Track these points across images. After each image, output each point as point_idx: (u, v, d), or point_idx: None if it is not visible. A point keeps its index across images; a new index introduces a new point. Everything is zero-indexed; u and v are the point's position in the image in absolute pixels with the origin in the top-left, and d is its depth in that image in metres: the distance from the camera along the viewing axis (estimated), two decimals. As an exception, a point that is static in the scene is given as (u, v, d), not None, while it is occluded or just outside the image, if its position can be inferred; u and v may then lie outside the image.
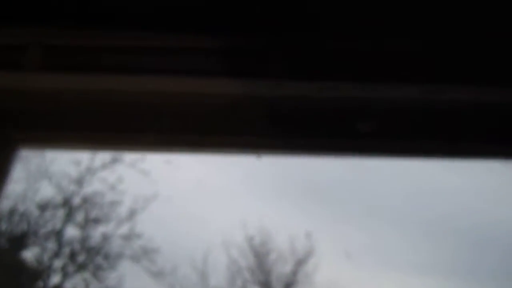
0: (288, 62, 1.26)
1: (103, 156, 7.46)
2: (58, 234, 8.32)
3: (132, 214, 8.15)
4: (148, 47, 1.24)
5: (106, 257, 7.90)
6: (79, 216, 8.29)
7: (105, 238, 8.34)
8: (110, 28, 1.25)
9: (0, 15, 1.23)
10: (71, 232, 8.26)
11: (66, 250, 8.21)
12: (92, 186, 8.02)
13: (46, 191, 8.12)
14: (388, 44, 1.26)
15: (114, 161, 7.71)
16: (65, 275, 7.77)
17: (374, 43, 1.25)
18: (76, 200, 8.28)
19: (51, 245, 8.34)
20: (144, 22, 1.22)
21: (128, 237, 8.34)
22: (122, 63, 1.22)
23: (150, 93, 1.24)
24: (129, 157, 7.40)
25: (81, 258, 7.95)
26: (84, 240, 8.32)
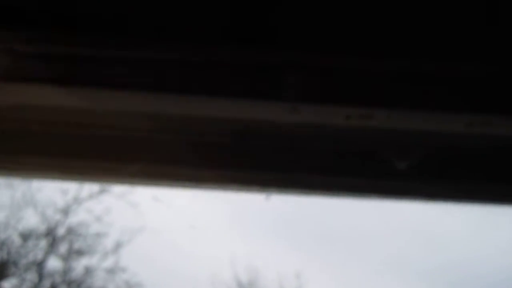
0: (307, 83, 1.01)
1: (91, 186, 7.17)
2: (39, 265, 7.91)
3: (117, 246, 7.81)
4: (138, 58, 0.99)
5: (88, 291, 7.47)
6: (63, 247, 7.91)
7: (88, 271, 7.94)
8: (97, 35, 1.00)
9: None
10: (53, 263, 7.88)
11: (47, 283, 7.79)
12: (78, 217, 7.70)
13: (30, 219, 7.77)
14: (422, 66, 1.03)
15: (102, 191, 7.41)
16: (44, 309, 7.31)
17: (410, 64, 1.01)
18: (61, 231, 7.92)
19: (32, 276, 7.93)
20: (134, 27, 0.97)
21: (112, 271, 7.96)
22: (105, 75, 0.96)
23: (138, 114, 0.98)
24: (118, 188, 7.11)
25: (61, 291, 7.51)
26: (66, 272, 7.91)
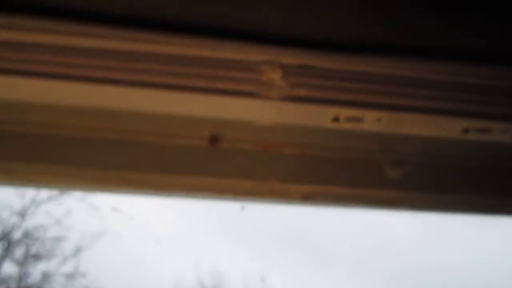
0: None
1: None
2: (-7, 270, 7.51)
3: (77, 251, 7.50)
4: (108, 48, 0.85)
5: (45, 297, 7.15)
6: (19, 252, 7.54)
7: (46, 276, 7.60)
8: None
9: None
10: (8, 268, 7.50)
11: (1, 288, 7.40)
12: (36, 220, 7.36)
13: (-16, 223, 7.36)
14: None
15: (62, 193, 7.10)
16: (-4, 317, 6.94)
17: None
18: (17, 234, 7.55)
19: (-15, 282, 7.51)
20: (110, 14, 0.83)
21: (71, 276, 7.64)
22: (61, 66, 0.82)
23: (99, 111, 0.85)
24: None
25: (16, 298, 7.16)
26: (22, 277, 7.54)
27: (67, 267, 7.44)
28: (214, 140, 0.87)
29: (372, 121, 0.81)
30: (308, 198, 0.88)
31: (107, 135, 0.86)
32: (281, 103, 0.80)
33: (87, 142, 0.88)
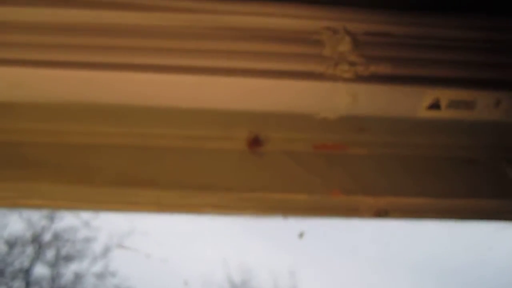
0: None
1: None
2: (26, 273, 7.46)
3: (106, 251, 7.39)
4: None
5: (78, 297, 7.08)
6: (50, 254, 7.46)
7: (77, 276, 7.52)
8: None
9: None
10: (40, 270, 7.43)
11: (34, 290, 7.35)
12: (64, 222, 7.26)
13: (15, 226, 7.31)
14: None
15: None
16: (31, 318, 6.91)
17: None
18: (47, 237, 7.47)
19: (19, 284, 7.48)
20: None
21: (102, 276, 7.55)
22: (46, 49, 0.59)
23: (100, 107, 0.61)
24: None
25: (50, 299, 7.12)
26: (54, 279, 7.47)
27: (97, 267, 7.36)
28: (255, 142, 0.62)
29: (486, 107, 0.55)
30: (383, 214, 0.63)
31: (107, 140, 0.62)
32: (353, 85, 0.54)
33: (85, 151, 0.64)
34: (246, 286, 7.27)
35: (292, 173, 0.63)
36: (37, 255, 7.12)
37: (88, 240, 7.05)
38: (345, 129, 0.62)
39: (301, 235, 0.67)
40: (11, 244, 7.18)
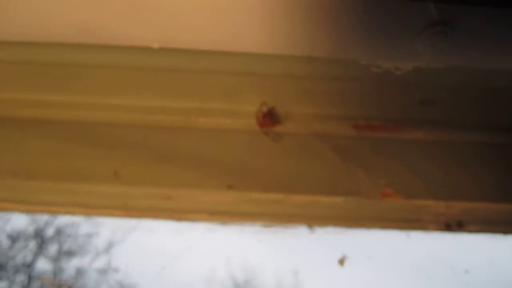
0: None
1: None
2: (28, 267, 7.35)
3: (109, 246, 7.26)
4: None
5: (80, 293, 6.95)
6: (52, 248, 7.35)
7: (79, 272, 7.40)
8: None
9: None
10: (43, 265, 7.32)
11: (36, 285, 7.23)
12: (67, 217, 7.13)
13: (18, 221, 7.21)
14: None
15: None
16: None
17: None
18: (49, 231, 7.35)
19: (21, 278, 7.36)
20: None
21: (104, 271, 7.42)
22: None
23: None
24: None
25: (51, 294, 7.00)
26: (56, 273, 7.35)
27: (100, 263, 7.22)
28: (269, 118, 0.42)
29: None
30: (456, 226, 0.42)
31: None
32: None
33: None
34: (249, 285, 7.11)
35: (322, 165, 0.43)
36: (40, 250, 7.00)
37: (90, 235, 6.93)
38: (400, 101, 0.41)
39: (341, 261, 0.45)
40: (14, 238, 7.07)
